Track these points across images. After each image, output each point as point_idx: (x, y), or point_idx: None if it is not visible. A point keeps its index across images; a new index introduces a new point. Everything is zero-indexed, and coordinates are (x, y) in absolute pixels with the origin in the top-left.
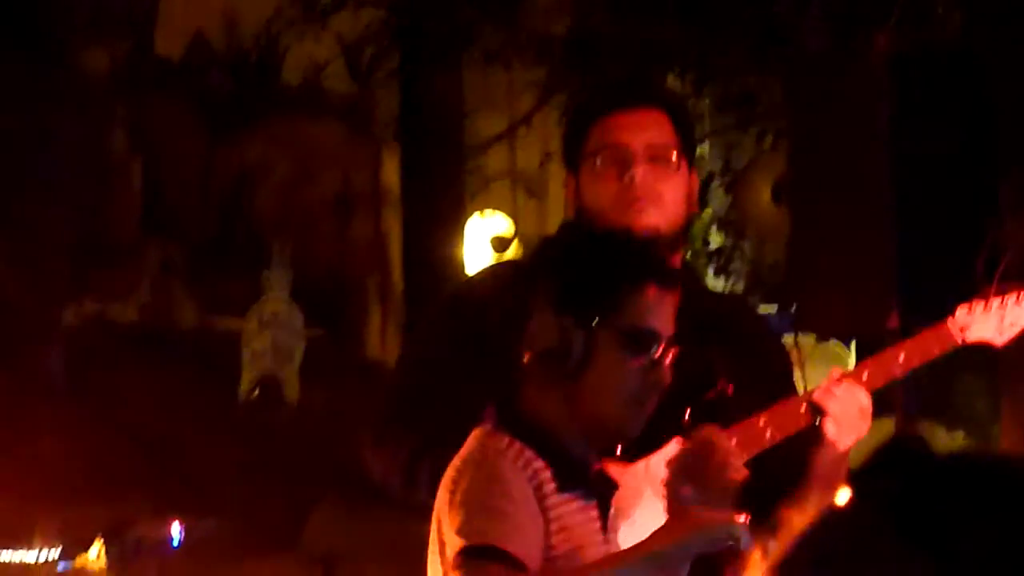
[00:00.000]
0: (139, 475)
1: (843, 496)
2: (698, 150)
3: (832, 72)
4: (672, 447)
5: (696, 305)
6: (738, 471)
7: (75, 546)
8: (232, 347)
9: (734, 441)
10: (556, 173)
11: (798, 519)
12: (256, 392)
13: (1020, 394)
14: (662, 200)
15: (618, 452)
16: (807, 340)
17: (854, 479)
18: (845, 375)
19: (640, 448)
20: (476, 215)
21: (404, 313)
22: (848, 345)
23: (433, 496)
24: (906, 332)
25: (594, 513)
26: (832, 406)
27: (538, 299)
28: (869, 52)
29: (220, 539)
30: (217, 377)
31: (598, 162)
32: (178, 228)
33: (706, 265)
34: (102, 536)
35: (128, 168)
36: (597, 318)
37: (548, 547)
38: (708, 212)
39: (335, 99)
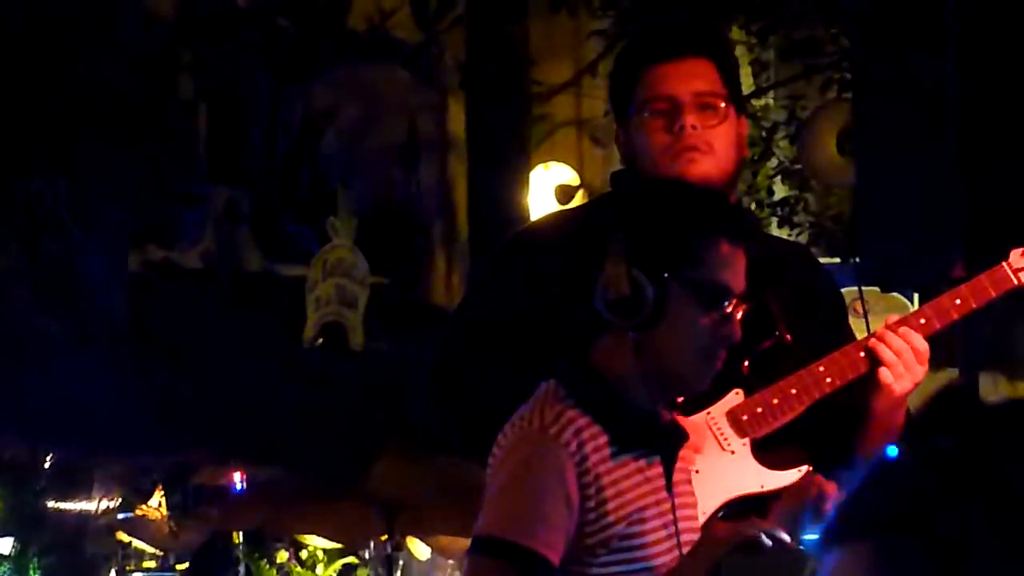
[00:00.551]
0: (201, 422)
1: (893, 451)
2: (762, 100)
3: (897, 18)
4: (732, 397)
5: (754, 251)
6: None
7: (135, 495)
8: (296, 293)
9: (794, 390)
10: None
11: (860, 462)
12: (320, 339)
13: None
14: (712, 148)
15: (679, 403)
16: (871, 291)
17: (905, 435)
18: (901, 320)
19: (699, 399)
20: (540, 167)
21: (469, 260)
22: (911, 296)
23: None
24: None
25: (658, 470)
26: (886, 353)
27: (611, 249)
28: None
29: (281, 486)
30: (281, 324)
31: (647, 113)
32: (243, 174)
33: (770, 216)
34: (163, 484)
35: (194, 114)
36: (670, 270)
37: (601, 520)
38: (772, 162)
39: (401, 46)
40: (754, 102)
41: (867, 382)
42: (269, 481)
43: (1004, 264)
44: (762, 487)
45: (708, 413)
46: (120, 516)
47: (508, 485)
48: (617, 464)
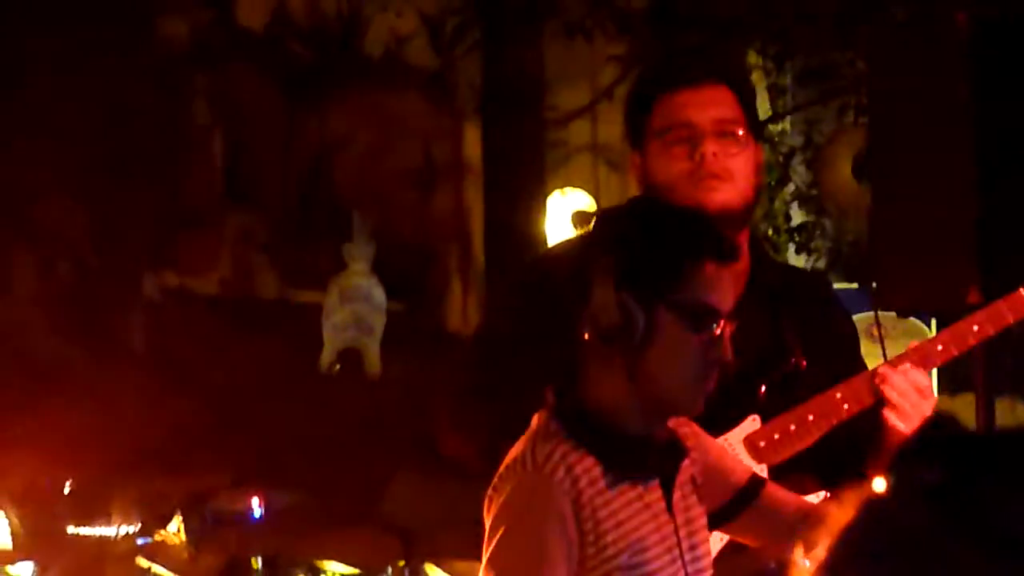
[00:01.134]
0: (219, 447)
1: (880, 485)
2: (779, 125)
3: (914, 44)
4: (749, 423)
5: (767, 279)
6: None
7: (154, 520)
8: (313, 319)
9: (811, 417)
10: None
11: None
12: (337, 365)
13: None
14: (732, 176)
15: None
16: (887, 316)
17: (891, 469)
18: (919, 347)
19: (717, 424)
20: (557, 193)
21: (484, 286)
22: (928, 321)
23: None
24: None
25: (657, 493)
26: (891, 395)
27: (597, 275)
28: (951, 23)
29: (299, 511)
30: (298, 349)
31: (666, 140)
32: (259, 200)
33: (787, 242)
34: (181, 510)
35: (209, 139)
36: (658, 294)
37: (602, 553)
38: (789, 188)
39: (417, 71)
40: (771, 127)
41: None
42: (287, 507)
43: (1022, 290)
44: None
45: (726, 440)
46: (139, 541)
47: (509, 532)
48: (614, 494)
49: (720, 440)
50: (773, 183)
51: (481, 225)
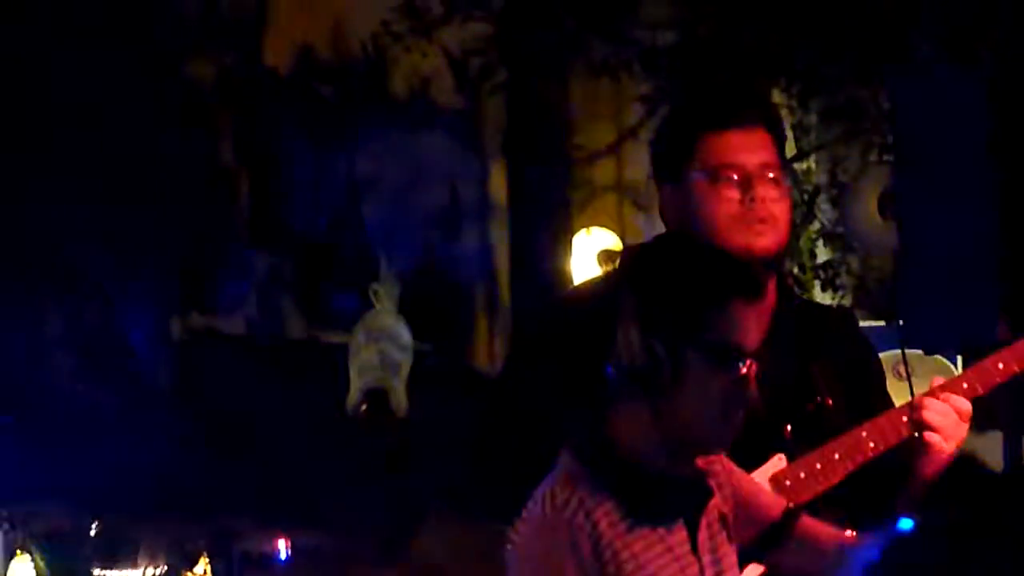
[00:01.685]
0: (245, 490)
1: (907, 526)
2: (804, 163)
3: (938, 83)
4: (775, 462)
5: (793, 316)
6: None
7: (181, 562)
8: (339, 359)
9: (837, 455)
10: None
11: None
12: (363, 404)
13: None
14: (777, 221)
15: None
16: (914, 354)
17: (917, 508)
18: (945, 384)
19: (742, 463)
20: (583, 232)
21: (511, 325)
22: (954, 359)
23: None
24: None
25: (681, 534)
26: (933, 418)
27: (623, 316)
28: (975, 61)
29: (326, 552)
30: (324, 389)
31: (714, 181)
32: (285, 241)
33: (813, 279)
34: (208, 551)
35: (235, 179)
36: (684, 335)
37: None
38: (815, 226)
39: (443, 111)
40: (796, 165)
41: (909, 446)
42: (313, 548)
43: None
44: None
45: (751, 478)
46: None
47: (530, 574)
48: (635, 536)
49: None
50: (798, 221)
51: (507, 264)
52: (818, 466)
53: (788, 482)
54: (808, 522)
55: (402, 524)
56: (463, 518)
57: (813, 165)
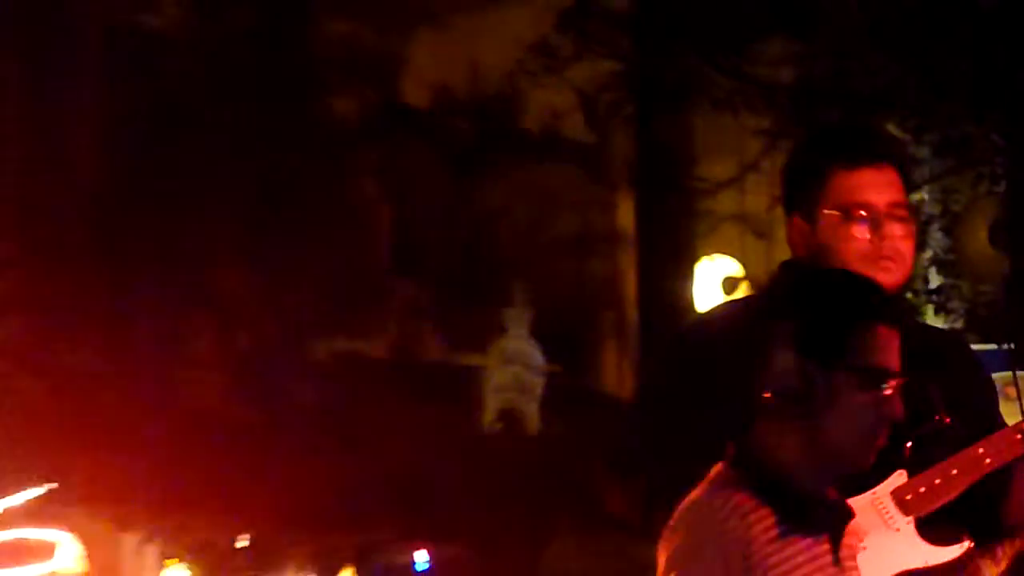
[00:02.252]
0: (387, 504)
1: None
2: (918, 195)
3: None
4: (896, 477)
5: (913, 340)
6: None
7: (327, 572)
8: (475, 381)
9: (955, 471)
10: (783, 217)
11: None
12: (498, 424)
13: None
14: (904, 257)
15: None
16: (1022, 375)
17: None
18: None
19: (864, 480)
20: (706, 259)
21: (638, 349)
22: None
23: None
24: None
25: (825, 547)
26: None
27: (777, 340)
28: None
29: (464, 563)
30: (461, 410)
31: (845, 217)
32: (424, 269)
33: (926, 304)
34: (352, 562)
35: (377, 212)
36: (836, 359)
37: None
38: (927, 254)
39: (573, 145)
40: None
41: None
42: (453, 559)
43: None
44: (926, 563)
45: (873, 494)
46: None
47: (681, 574)
48: (784, 543)
49: (868, 494)
50: None
51: (634, 290)
52: (937, 481)
53: (909, 496)
54: None
55: (535, 539)
56: (593, 530)
57: (925, 196)
